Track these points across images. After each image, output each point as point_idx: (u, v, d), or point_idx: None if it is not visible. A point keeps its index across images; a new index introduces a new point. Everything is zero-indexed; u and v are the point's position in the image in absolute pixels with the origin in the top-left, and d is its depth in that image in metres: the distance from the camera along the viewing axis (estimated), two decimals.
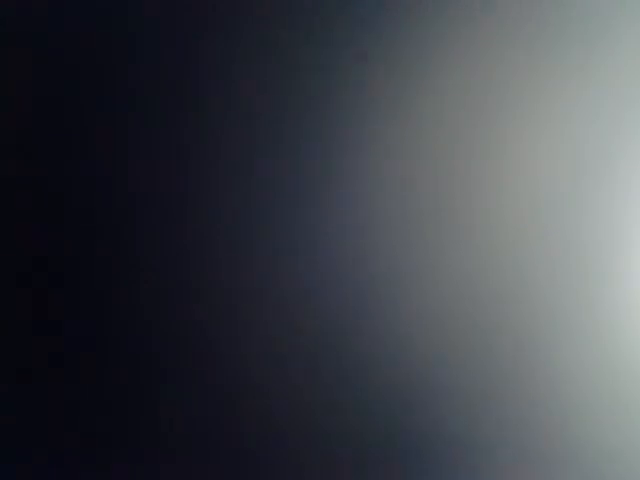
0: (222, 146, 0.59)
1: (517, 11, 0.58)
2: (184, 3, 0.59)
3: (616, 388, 0.57)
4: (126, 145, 0.59)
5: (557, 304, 0.57)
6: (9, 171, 0.59)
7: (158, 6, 0.59)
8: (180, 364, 0.58)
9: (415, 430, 0.58)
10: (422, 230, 0.58)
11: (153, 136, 0.59)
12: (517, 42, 0.58)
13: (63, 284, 0.58)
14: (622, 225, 0.57)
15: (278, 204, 0.58)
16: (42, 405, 0.58)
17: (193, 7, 0.59)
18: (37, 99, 0.59)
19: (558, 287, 0.58)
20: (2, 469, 0.59)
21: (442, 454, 0.57)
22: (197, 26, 0.59)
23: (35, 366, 0.58)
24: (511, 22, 0.58)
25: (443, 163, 0.58)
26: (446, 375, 0.58)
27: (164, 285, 0.58)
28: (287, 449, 0.58)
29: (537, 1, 0.58)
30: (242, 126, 0.59)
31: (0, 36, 0.59)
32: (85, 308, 0.58)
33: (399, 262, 0.58)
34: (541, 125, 0.58)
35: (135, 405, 0.58)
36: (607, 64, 0.58)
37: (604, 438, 0.57)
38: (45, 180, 0.59)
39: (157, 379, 0.58)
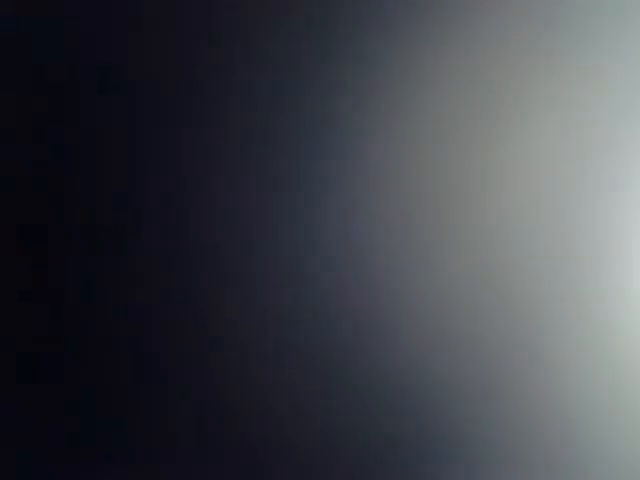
0: (222, 146, 0.59)
1: (517, 11, 0.58)
2: (186, 6, 0.59)
3: (616, 388, 0.57)
4: (126, 145, 0.59)
5: (557, 304, 0.57)
6: (10, 172, 0.59)
7: (161, 9, 0.59)
8: (180, 364, 0.58)
9: (415, 430, 0.58)
10: (422, 230, 0.58)
11: (153, 137, 0.59)
12: (517, 42, 0.58)
13: (63, 283, 0.59)
14: (622, 225, 0.57)
15: (278, 205, 0.58)
16: (42, 405, 0.58)
17: (193, 9, 0.59)
18: (37, 101, 0.59)
19: (558, 287, 0.58)
20: (2, 469, 0.59)
21: (442, 454, 0.58)
22: (198, 27, 0.59)
23: (35, 367, 0.58)
24: (511, 22, 0.58)
25: (443, 163, 0.58)
26: (446, 375, 0.58)
27: (165, 285, 0.58)
28: (287, 449, 0.58)
29: (537, 1, 0.58)
30: (242, 127, 0.59)
31: (0, 36, 0.59)
32: (85, 308, 0.58)
33: (399, 262, 0.58)
34: (541, 125, 0.58)
35: (135, 405, 0.58)
36: (607, 64, 0.58)
37: (604, 438, 0.57)
38: (45, 179, 0.59)
39: (157, 379, 0.58)
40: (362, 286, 0.58)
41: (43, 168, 0.59)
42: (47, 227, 0.59)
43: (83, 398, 0.58)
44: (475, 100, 0.58)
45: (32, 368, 0.58)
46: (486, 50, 0.58)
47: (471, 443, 0.57)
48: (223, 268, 0.58)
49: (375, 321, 0.58)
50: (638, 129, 0.58)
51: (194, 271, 0.58)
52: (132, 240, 0.59)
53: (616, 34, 0.58)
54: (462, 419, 0.57)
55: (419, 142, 0.58)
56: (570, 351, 0.57)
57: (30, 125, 0.59)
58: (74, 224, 0.59)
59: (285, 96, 0.59)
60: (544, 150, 0.58)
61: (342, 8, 0.58)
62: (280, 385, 0.58)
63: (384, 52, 0.58)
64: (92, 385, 0.58)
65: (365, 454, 0.58)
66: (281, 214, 0.58)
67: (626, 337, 0.57)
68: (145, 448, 0.58)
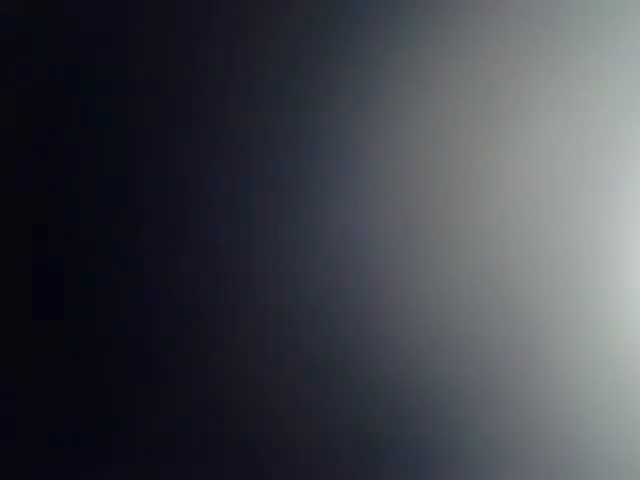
0: (222, 146, 0.59)
1: (517, 11, 0.58)
2: (186, 6, 0.59)
3: (616, 388, 0.57)
4: (126, 145, 0.59)
5: (557, 304, 0.57)
6: (10, 172, 0.59)
7: (161, 9, 0.59)
8: (180, 364, 0.58)
9: (415, 430, 0.58)
10: (422, 230, 0.58)
11: (153, 137, 0.59)
12: (517, 42, 0.58)
13: (63, 283, 0.59)
14: (622, 225, 0.57)
15: (278, 205, 0.58)
16: (42, 405, 0.58)
17: (193, 9, 0.59)
18: (37, 101, 0.59)
19: (558, 287, 0.58)
20: (2, 469, 0.59)
21: (442, 454, 0.57)
22: (198, 27, 0.59)
23: (35, 367, 0.58)
24: (511, 22, 0.58)
25: (443, 163, 0.58)
26: (446, 375, 0.58)
27: (165, 285, 0.58)
28: (287, 449, 0.58)
29: (537, 1, 0.58)
30: (242, 127, 0.59)
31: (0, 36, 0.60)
32: (86, 308, 0.58)
33: (399, 262, 0.58)
34: (541, 125, 0.58)
35: (135, 405, 0.58)
36: (607, 64, 0.58)
37: (604, 438, 0.57)
38: (45, 179, 0.59)
39: (157, 379, 0.58)
40: (362, 286, 0.58)
41: (43, 168, 0.59)
42: (47, 227, 0.59)
43: (83, 398, 0.58)
44: (475, 100, 0.58)
45: (32, 368, 0.58)
46: (486, 50, 0.58)
47: (471, 443, 0.57)
48: (223, 268, 0.58)
49: (375, 321, 0.58)
50: (638, 129, 0.58)
51: (194, 271, 0.58)
52: (132, 240, 0.59)
53: (616, 34, 0.58)
54: (462, 419, 0.57)
55: (419, 142, 0.58)
56: (570, 351, 0.57)
57: (30, 125, 0.59)
58: (74, 224, 0.59)
59: (285, 96, 0.59)
60: (544, 150, 0.58)
61: (342, 8, 0.58)
62: (280, 385, 0.58)
63: (384, 52, 0.58)
64: (92, 385, 0.58)
65: (365, 454, 0.58)
66: (281, 214, 0.58)
67: (626, 337, 0.57)
68: (145, 448, 0.58)
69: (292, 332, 0.58)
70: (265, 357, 0.58)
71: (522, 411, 0.57)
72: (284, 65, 0.59)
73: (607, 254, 0.57)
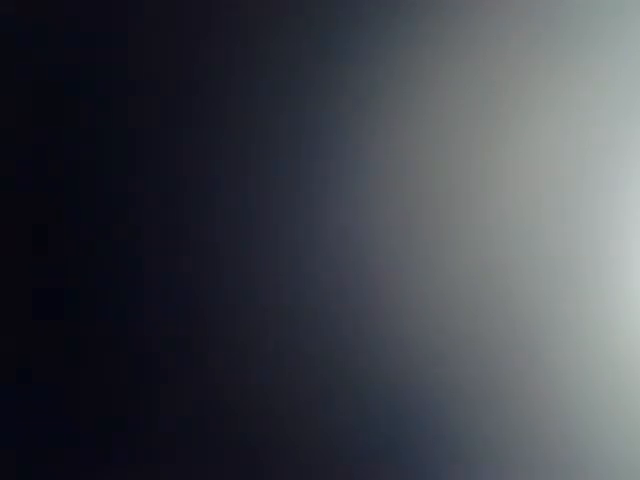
0: (222, 146, 0.59)
1: (517, 11, 0.58)
2: (186, 6, 0.59)
3: (616, 388, 0.57)
4: (126, 145, 0.59)
5: (557, 304, 0.57)
6: (10, 172, 0.59)
7: (161, 9, 0.59)
8: (180, 364, 0.58)
9: (415, 430, 0.57)
10: (422, 230, 0.58)
11: (153, 137, 0.59)
12: (517, 42, 0.58)
13: (63, 283, 0.59)
14: (622, 225, 0.57)
15: (278, 205, 0.58)
16: (42, 405, 0.58)
17: (193, 9, 0.59)
18: (37, 101, 0.59)
19: (558, 287, 0.58)
20: (2, 469, 0.59)
21: (442, 454, 0.57)
22: (198, 27, 0.59)
23: (35, 366, 0.58)
24: (511, 22, 0.58)
25: (443, 163, 0.58)
26: (446, 375, 0.58)
27: (165, 285, 0.58)
28: (287, 449, 0.58)
29: (537, 1, 0.58)
30: (242, 127, 0.59)
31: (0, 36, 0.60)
32: (86, 308, 0.58)
33: (399, 262, 0.58)
34: (541, 125, 0.58)
35: (135, 405, 0.58)
36: (607, 64, 0.58)
37: (604, 438, 0.57)
38: (45, 179, 0.59)
39: (157, 379, 0.58)
40: (362, 286, 0.58)
41: (43, 168, 0.59)
42: (47, 227, 0.59)
43: (83, 398, 0.58)
44: (475, 100, 0.58)
45: (32, 368, 0.58)
46: (486, 50, 0.58)
47: (471, 443, 0.57)
48: (223, 268, 0.58)
49: (375, 321, 0.58)
50: (638, 129, 0.58)
51: (194, 271, 0.58)
52: (132, 240, 0.59)
53: (616, 34, 0.58)
54: (462, 419, 0.57)
55: (419, 142, 0.58)
56: (570, 351, 0.57)
57: (30, 125, 0.59)
58: (74, 224, 0.59)
59: (285, 96, 0.59)
60: (544, 150, 0.58)
61: (342, 8, 0.58)
62: (280, 385, 0.58)
63: (384, 52, 0.58)
64: (92, 385, 0.58)
65: (365, 454, 0.58)
66: (281, 214, 0.58)
67: (626, 337, 0.57)
68: (145, 448, 0.58)
69: (292, 332, 0.58)
70: (265, 357, 0.58)
71: (522, 411, 0.57)
72: (284, 65, 0.59)
73: (607, 254, 0.57)
